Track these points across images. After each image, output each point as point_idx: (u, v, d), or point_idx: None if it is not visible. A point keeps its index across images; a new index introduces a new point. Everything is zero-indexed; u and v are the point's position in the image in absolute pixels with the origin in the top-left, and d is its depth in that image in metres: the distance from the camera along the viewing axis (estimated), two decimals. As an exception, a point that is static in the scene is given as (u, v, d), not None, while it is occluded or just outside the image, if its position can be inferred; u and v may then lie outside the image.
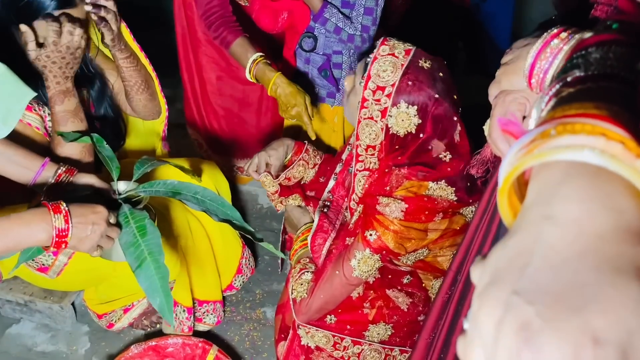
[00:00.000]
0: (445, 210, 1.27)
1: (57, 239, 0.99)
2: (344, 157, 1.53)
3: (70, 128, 1.32)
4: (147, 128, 1.78)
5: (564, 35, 0.67)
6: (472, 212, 1.31)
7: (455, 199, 1.26)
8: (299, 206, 1.56)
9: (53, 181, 1.18)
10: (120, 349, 1.66)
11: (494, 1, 2.77)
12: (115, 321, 1.68)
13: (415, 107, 1.22)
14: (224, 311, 1.79)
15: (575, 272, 0.30)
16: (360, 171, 1.34)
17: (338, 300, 1.35)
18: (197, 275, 1.64)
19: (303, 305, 1.36)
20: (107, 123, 1.56)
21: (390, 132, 1.25)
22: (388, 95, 1.22)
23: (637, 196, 0.34)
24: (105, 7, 1.36)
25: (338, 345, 1.39)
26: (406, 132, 1.24)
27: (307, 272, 1.39)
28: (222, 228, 1.66)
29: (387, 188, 1.29)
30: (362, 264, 1.29)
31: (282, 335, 1.55)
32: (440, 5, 2.28)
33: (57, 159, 1.28)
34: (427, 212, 1.26)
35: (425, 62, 1.25)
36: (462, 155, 1.28)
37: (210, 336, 1.71)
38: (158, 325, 1.74)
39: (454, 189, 1.26)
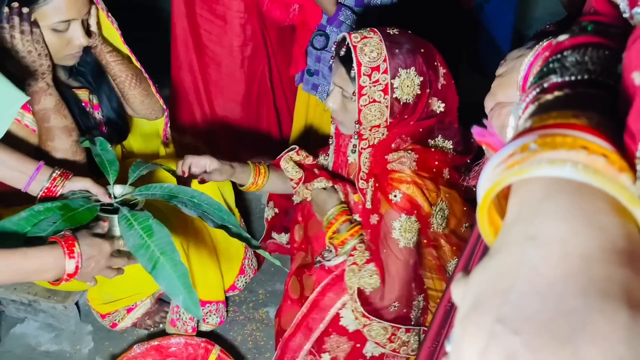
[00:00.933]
0: (450, 165, 1.32)
1: (63, 279, 1.02)
2: (331, 150, 1.54)
3: (55, 124, 1.32)
4: (152, 129, 1.78)
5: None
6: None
7: (452, 149, 1.33)
8: (324, 189, 1.50)
9: (48, 185, 1.18)
10: (124, 349, 1.66)
11: (497, 2, 2.75)
12: (119, 321, 1.69)
13: (413, 67, 1.27)
14: (226, 311, 1.79)
15: (561, 297, 0.29)
16: (364, 149, 1.36)
17: (406, 283, 1.32)
18: (200, 276, 1.64)
19: (375, 297, 1.33)
20: (111, 124, 1.57)
21: (401, 102, 1.29)
22: (385, 71, 1.26)
23: (622, 212, 0.32)
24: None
25: (394, 337, 1.36)
26: (414, 96, 1.29)
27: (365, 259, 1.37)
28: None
29: (393, 146, 1.32)
30: (404, 231, 1.28)
31: (280, 339, 1.56)
32: (443, 7, 2.28)
33: (51, 161, 1.29)
34: (437, 162, 1.30)
35: (391, 29, 1.31)
36: (450, 94, 1.35)
37: (213, 336, 1.71)
38: (161, 325, 1.75)
39: (451, 141, 1.34)
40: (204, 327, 1.72)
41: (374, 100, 1.27)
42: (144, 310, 1.71)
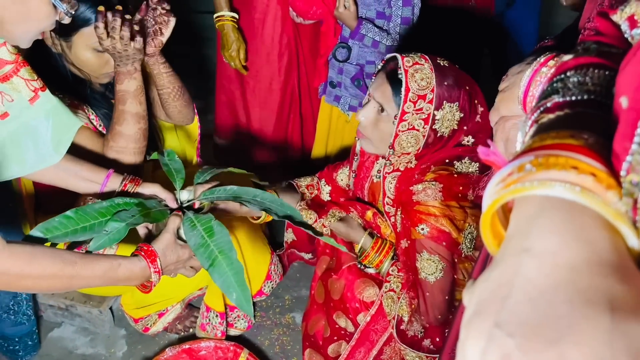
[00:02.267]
0: (474, 184, 1.32)
1: (152, 287, 1.11)
2: (354, 167, 1.56)
3: (129, 108, 1.38)
4: (180, 137, 1.84)
5: (552, 62, 0.70)
6: None
7: (476, 171, 1.33)
8: (340, 220, 1.52)
9: (120, 190, 1.24)
10: (156, 352, 1.72)
11: (518, 8, 2.76)
12: (151, 325, 1.75)
13: (457, 103, 1.29)
14: (254, 316, 1.84)
15: (550, 304, 0.32)
16: (389, 174, 1.38)
17: (442, 308, 1.33)
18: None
19: (413, 323, 1.37)
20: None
21: (438, 134, 1.30)
22: (430, 102, 1.27)
23: (608, 227, 0.35)
24: (164, 11, 1.43)
25: None
26: (451, 130, 1.31)
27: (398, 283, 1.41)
28: (250, 235, 1.72)
29: (416, 176, 1.33)
30: (427, 265, 1.30)
31: (307, 343, 1.59)
32: (463, 15, 2.30)
33: (114, 163, 1.37)
34: (461, 187, 1.31)
35: (442, 61, 1.31)
36: (482, 131, 1.35)
37: (241, 340, 1.76)
38: (191, 330, 1.81)
39: (477, 163, 1.33)
40: (232, 332, 1.77)
41: (413, 128, 1.29)
42: (174, 315, 1.77)
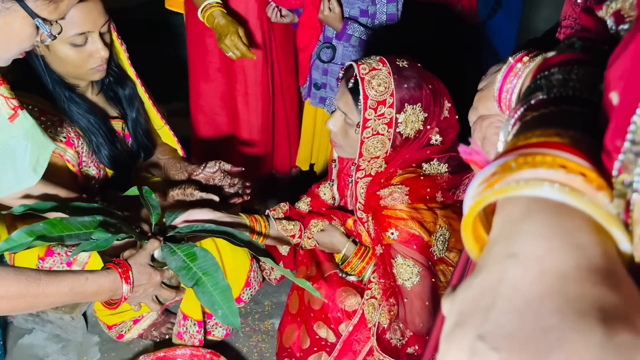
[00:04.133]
0: (443, 187, 1.31)
1: (121, 301, 1.08)
2: (334, 177, 1.55)
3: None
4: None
5: (526, 59, 0.70)
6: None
7: (448, 171, 1.32)
8: (322, 231, 1.51)
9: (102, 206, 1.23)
10: (130, 359, 1.68)
11: (499, 15, 2.78)
12: (125, 332, 1.70)
13: (419, 103, 1.27)
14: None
15: (538, 315, 0.29)
16: (361, 179, 1.37)
17: (424, 314, 1.31)
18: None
19: (394, 331, 1.35)
20: (140, 147, 1.63)
21: (403, 136, 1.29)
22: (391, 106, 1.26)
23: (598, 231, 0.33)
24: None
25: None
26: (416, 130, 1.30)
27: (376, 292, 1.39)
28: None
29: (382, 180, 1.32)
30: (402, 270, 1.28)
31: (284, 354, 1.55)
32: (448, 21, 2.30)
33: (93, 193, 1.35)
34: (429, 189, 1.29)
35: (401, 61, 1.30)
36: (450, 128, 1.34)
37: (218, 347, 1.72)
38: (167, 336, 1.76)
39: (447, 164, 1.32)
40: (210, 340, 1.73)
41: (378, 133, 1.28)
42: (150, 322, 1.72)
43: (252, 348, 1.78)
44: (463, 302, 0.33)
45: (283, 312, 1.64)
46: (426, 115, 1.29)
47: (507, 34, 2.89)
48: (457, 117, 1.36)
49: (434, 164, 1.33)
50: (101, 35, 1.38)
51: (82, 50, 1.36)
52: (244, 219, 1.44)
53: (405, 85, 1.26)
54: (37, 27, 0.91)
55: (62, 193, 1.23)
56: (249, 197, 1.55)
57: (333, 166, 1.55)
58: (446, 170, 1.34)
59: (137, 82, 1.60)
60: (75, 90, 1.45)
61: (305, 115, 2.13)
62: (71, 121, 1.43)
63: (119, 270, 1.06)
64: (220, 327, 1.73)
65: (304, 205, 1.63)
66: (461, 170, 1.35)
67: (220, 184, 1.55)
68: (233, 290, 1.75)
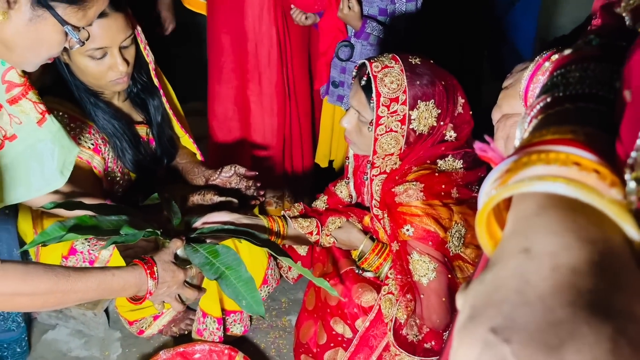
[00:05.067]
0: (458, 183, 1.30)
1: (146, 296, 1.11)
2: (350, 174, 1.55)
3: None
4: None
5: (554, 57, 0.68)
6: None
7: (463, 167, 1.32)
8: (339, 228, 1.51)
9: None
10: (150, 355, 1.70)
11: (517, 10, 2.76)
12: (146, 328, 1.73)
13: (432, 100, 1.28)
14: (250, 320, 1.82)
15: (550, 308, 0.30)
16: (376, 176, 1.37)
17: (441, 310, 1.30)
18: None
19: (411, 326, 1.35)
20: (163, 152, 1.66)
21: (417, 133, 1.30)
22: (404, 103, 1.26)
23: (611, 226, 0.33)
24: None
25: None
26: (430, 127, 1.30)
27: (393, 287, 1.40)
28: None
29: (397, 177, 1.32)
30: (418, 266, 1.29)
31: (300, 350, 1.57)
32: (466, 15, 2.29)
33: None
34: (443, 185, 1.29)
35: (414, 58, 1.30)
36: (465, 124, 1.34)
37: (236, 343, 1.74)
38: (186, 332, 1.79)
39: (461, 160, 1.32)
40: (229, 336, 1.76)
41: (391, 130, 1.29)
42: (170, 318, 1.75)
43: (270, 344, 1.80)
44: (476, 296, 0.33)
45: (300, 309, 1.66)
46: (439, 111, 1.29)
47: (525, 28, 2.87)
48: (471, 112, 1.36)
49: (448, 160, 1.33)
50: (122, 49, 1.39)
51: (101, 63, 1.38)
52: (262, 219, 1.45)
53: (418, 82, 1.26)
54: (66, 34, 0.94)
55: (86, 200, 1.25)
56: (264, 197, 1.58)
57: (348, 164, 1.56)
58: (461, 166, 1.33)
59: (160, 92, 1.62)
60: (100, 96, 1.48)
61: (323, 113, 2.14)
62: (97, 126, 1.46)
63: (145, 266, 1.09)
64: (239, 323, 1.75)
65: (321, 203, 1.65)
66: (476, 166, 1.35)
67: (236, 187, 1.58)
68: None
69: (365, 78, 1.29)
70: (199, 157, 1.78)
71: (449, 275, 1.31)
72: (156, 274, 1.09)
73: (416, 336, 1.36)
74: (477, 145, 0.44)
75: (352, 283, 1.46)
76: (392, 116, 1.27)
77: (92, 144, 1.44)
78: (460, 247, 1.33)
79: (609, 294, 0.30)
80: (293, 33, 2.02)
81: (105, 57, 1.38)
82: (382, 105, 1.26)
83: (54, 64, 1.41)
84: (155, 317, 1.73)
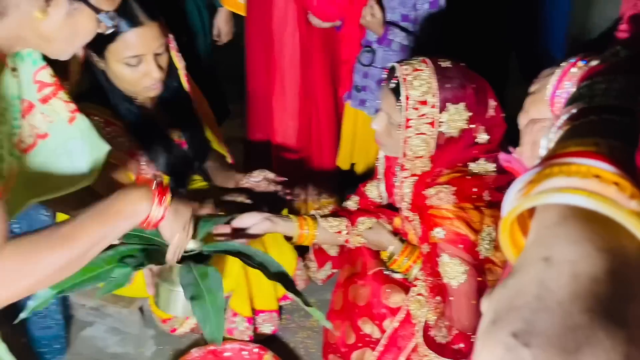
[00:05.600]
0: (490, 186, 1.30)
1: (152, 222, 1.02)
2: (380, 175, 1.57)
3: None
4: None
5: (581, 64, 0.68)
6: None
7: (495, 170, 1.31)
8: (369, 228, 1.52)
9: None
10: (183, 352, 1.75)
11: (548, 10, 2.71)
12: (178, 326, 1.78)
13: (462, 103, 1.28)
14: (279, 319, 1.86)
15: (569, 314, 0.31)
16: (406, 178, 1.38)
17: (470, 313, 1.31)
18: (256, 286, 1.72)
19: (440, 328, 1.35)
20: (194, 155, 1.70)
21: (446, 136, 1.30)
22: (433, 106, 1.27)
23: (630, 237, 0.35)
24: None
25: None
26: (460, 130, 1.30)
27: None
28: (278, 241, 1.73)
29: (428, 180, 1.33)
30: (448, 269, 1.29)
31: (328, 350, 1.59)
32: (491, 17, 2.27)
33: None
34: (475, 188, 1.29)
35: (444, 61, 1.30)
36: (497, 126, 1.34)
37: (266, 342, 1.78)
38: (217, 331, 1.83)
39: (494, 163, 1.31)
40: (258, 335, 1.79)
41: (420, 133, 1.29)
42: (201, 317, 1.80)
43: (298, 344, 1.83)
44: (499, 301, 0.35)
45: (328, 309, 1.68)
46: (470, 114, 1.29)
47: (556, 30, 2.82)
48: (503, 115, 1.36)
49: (480, 162, 1.33)
50: (156, 56, 1.45)
51: (136, 70, 1.44)
52: (292, 219, 1.48)
53: (448, 85, 1.27)
54: (99, 21, 0.95)
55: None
56: (292, 201, 1.61)
57: (379, 165, 1.57)
58: (493, 169, 1.33)
59: (190, 97, 1.67)
60: (134, 101, 1.54)
61: (345, 116, 2.16)
62: (131, 130, 1.52)
63: (156, 191, 1.01)
64: (269, 323, 1.79)
65: (352, 204, 1.66)
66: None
67: (264, 191, 1.61)
68: (280, 287, 1.81)
69: (394, 81, 1.30)
70: (229, 159, 1.82)
71: (479, 278, 1.32)
72: (164, 203, 1.02)
73: (445, 337, 1.36)
74: (501, 157, 0.46)
75: (381, 284, 1.47)
76: (421, 119, 1.28)
77: (126, 147, 1.49)
78: (490, 250, 1.33)
79: (624, 301, 0.32)
80: (316, 37, 2.04)
81: (141, 65, 1.43)
82: (411, 108, 1.27)
83: (90, 71, 1.47)
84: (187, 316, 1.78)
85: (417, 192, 1.36)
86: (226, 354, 1.69)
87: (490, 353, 0.33)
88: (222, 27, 2.23)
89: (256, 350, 1.68)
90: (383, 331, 1.45)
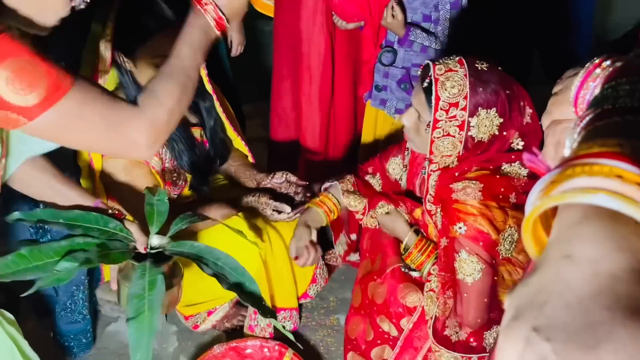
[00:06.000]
0: (518, 189, 1.29)
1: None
2: (406, 161, 1.57)
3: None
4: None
5: (605, 64, 0.68)
6: None
7: (527, 175, 1.29)
8: (387, 214, 1.54)
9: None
10: (205, 349, 1.78)
11: (572, 8, 2.68)
12: (200, 323, 1.82)
13: (494, 108, 1.26)
14: (299, 318, 1.88)
15: (589, 310, 0.32)
16: (434, 171, 1.38)
17: (481, 310, 1.31)
18: (276, 284, 1.74)
19: (451, 325, 1.37)
20: (216, 153, 1.74)
21: (475, 140, 1.29)
22: (464, 109, 1.26)
23: None
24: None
25: None
26: (490, 135, 1.29)
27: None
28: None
29: (457, 174, 1.32)
30: (465, 265, 1.29)
31: (349, 347, 1.60)
32: (514, 16, 2.26)
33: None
34: (503, 188, 1.28)
35: (480, 64, 1.28)
36: (533, 133, 1.32)
37: (286, 339, 1.79)
38: (238, 328, 1.86)
39: (527, 169, 1.29)
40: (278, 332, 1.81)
41: (448, 134, 1.29)
42: (222, 314, 1.83)
43: (318, 342, 1.85)
44: (521, 297, 0.36)
45: (349, 306, 1.70)
46: (502, 120, 1.28)
47: (581, 28, 2.79)
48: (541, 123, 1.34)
49: (515, 165, 1.33)
50: None
51: None
52: (319, 213, 1.56)
53: (481, 89, 1.25)
54: None
55: (76, 193, 1.20)
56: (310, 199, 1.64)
57: (406, 154, 1.58)
58: (525, 174, 1.32)
59: (213, 97, 1.70)
60: None
61: (366, 116, 2.18)
62: None
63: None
64: (289, 321, 1.81)
65: (376, 182, 1.67)
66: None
67: (285, 192, 1.63)
68: (300, 285, 1.84)
69: (427, 80, 1.29)
70: (251, 159, 1.85)
71: (494, 278, 1.32)
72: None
73: (456, 333, 1.36)
74: (525, 156, 0.47)
75: (398, 282, 1.48)
76: (450, 121, 1.27)
77: None
78: (511, 251, 1.33)
79: None
80: (342, 38, 2.06)
81: None
82: (441, 109, 1.26)
83: (119, 70, 1.50)
84: (209, 313, 1.81)
85: (443, 184, 1.35)
86: (247, 351, 1.71)
87: (512, 347, 0.34)
88: (235, 37, 2.26)
89: (277, 347, 1.71)
90: (400, 330, 1.46)
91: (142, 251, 1.16)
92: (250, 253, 1.64)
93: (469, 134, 1.28)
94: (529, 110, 1.33)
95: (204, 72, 1.65)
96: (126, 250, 1.14)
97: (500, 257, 1.33)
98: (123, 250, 1.13)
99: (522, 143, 1.33)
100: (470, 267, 1.28)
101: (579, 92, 0.74)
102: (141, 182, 1.44)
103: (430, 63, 1.29)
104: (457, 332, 1.37)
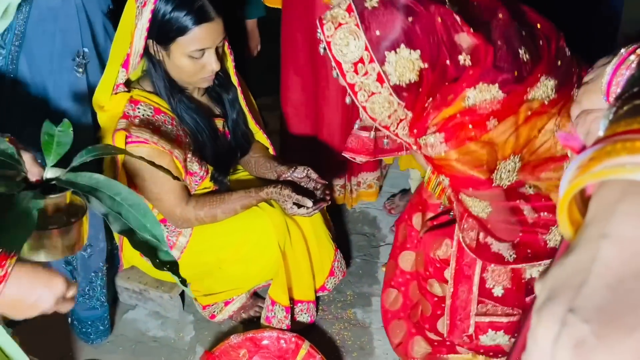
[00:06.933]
0: (495, 113, 1.10)
1: None
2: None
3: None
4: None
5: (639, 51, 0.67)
6: (549, 87, 1.11)
7: (503, 95, 1.09)
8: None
9: None
10: (221, 338, 1.78)
11: (601, 7, 2.64)
12: (217, 313, 1.82)
13: (402, 45, 1.07)
14: (316, 310, 1.87)
15: (630, 291, 0.31)
16: (398, 137, 1.24)
17: (509, 228, 1.23)
18: (294, 276, 1.74)
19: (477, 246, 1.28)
20: (237, 145, 1.73)
21: (404, 85, 1.11)
22: (371, 60, 1.08)
23: None
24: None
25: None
26: (418, 72, 1.09)
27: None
28: (317, 231, 1.74)
29: (415, 131, 1.17)
30: (472, 204, 1.22)
31: (389, 316, 1.62)
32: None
33: None
34: (471, 126, 1.11)
35: (370, 1, 1.08)
36: (475, 47, 1.09)
37: (303, 332, 1.79)
38: (254, 319, 1.86)
39: (497, 84, 1.09)
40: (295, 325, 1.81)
41: (373, 93, 1.12)
42: (239, 304, 1.83)
43: (335, 335, 1.84)
44: (556, 279, 0.35)
45: (369, 300, 1.68)
46: (419, 51, 1.07)
47: (608, 24, 2.74)
48: (471, 29, 1.08)
49: (481, 87, 1.09)
50: (216, 49, 1.49)
51: (197, 62, 1.47)
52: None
53: (379, 33, 1.06)
54: None
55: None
56: (330, 202, 1.62)
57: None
58: (498, 90, 1.09)
59: (238, 89, 1.69)
60: (184, 91, 1.58)
61: None
62: (179, 119, 1.55)
63: None
64: (306, 313, 1.81)
65: None
66: (525, 78, 1.10)
67: (305, 186, 1.62)
68: (318, 278, 1.83)
69: (321, 45, 1.11)
70: (272, 151, 1.84)
71: (510, 202, 1.21)
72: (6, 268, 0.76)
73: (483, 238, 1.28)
74: (560, 135, 0.45)
75: (427, 241, 1.42)
76: (366, 77, 1.10)
77: (174, 135, 1.53)
78: (512, 177, 1.19)
79: None
80: None
81: (202, 57, 1.47)
82: (348, 72, 1.10)
83: (149, 60, 1.50)
84: (227, 303, 1.81)
85: (412, 136, 1.20)
86: (264, 342, 1.71)
87: (546, 330, 0.33)
88: (251, 38, 2.26)
89: (294, 339, 1.70)
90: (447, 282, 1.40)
91: (32, 179, 0.95)
92: (269, 243, 1.64)
93: (393, 83, 1.10)
94: (453, 22, 1.08)
95: (231, 64, 1.65)
96: (16, 179, 0.91)
97: (504, 187, 1.20)
98: (11, 177, 0.90)
99: (468, 57, 1.09)
100: (476, 206, 1.21)
101: (612, 79, 0.72)
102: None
103: (318, 22, 1.10)
104: (483, 238, 1.27)
